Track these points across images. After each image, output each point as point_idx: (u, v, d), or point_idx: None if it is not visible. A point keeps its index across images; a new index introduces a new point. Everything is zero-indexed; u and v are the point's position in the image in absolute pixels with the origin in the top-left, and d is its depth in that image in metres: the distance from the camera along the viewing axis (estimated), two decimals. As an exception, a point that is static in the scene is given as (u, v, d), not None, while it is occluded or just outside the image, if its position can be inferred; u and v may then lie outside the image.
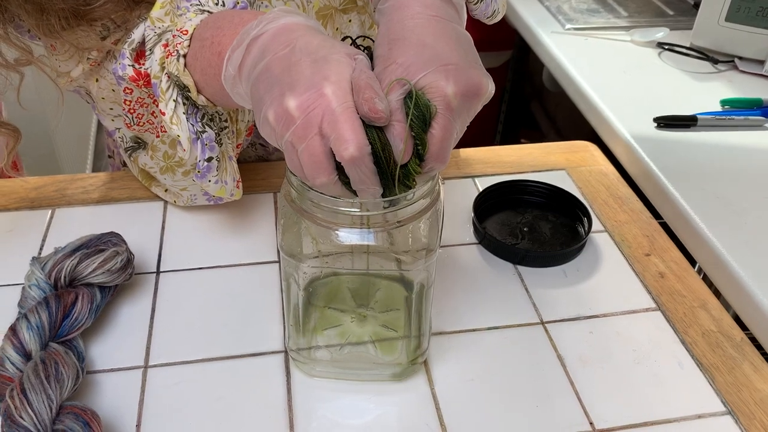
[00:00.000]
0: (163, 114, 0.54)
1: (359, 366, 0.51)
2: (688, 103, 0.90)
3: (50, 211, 0.67)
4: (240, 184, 0.62)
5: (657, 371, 0.54)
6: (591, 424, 0.49)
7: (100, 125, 1.89)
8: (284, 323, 0.56)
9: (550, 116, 1.90)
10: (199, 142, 0.55)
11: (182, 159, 0.60)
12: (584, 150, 0.80)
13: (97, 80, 0.62)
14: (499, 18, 0.65)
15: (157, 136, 0.61)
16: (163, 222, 0.67)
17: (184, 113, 0.54)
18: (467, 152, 0.79)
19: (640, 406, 0.51)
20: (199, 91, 0.53)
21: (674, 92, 0.93)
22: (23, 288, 0.54)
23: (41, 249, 0.63)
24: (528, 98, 1.97)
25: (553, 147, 0.80)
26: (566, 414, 0.50)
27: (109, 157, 0.84)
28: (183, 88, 0.54)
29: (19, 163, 0.90)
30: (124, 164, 0.80)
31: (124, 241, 0.58)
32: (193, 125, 0.55)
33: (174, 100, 0.54)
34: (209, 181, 0.58)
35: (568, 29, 1.12)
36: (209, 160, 0.56)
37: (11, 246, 0.63)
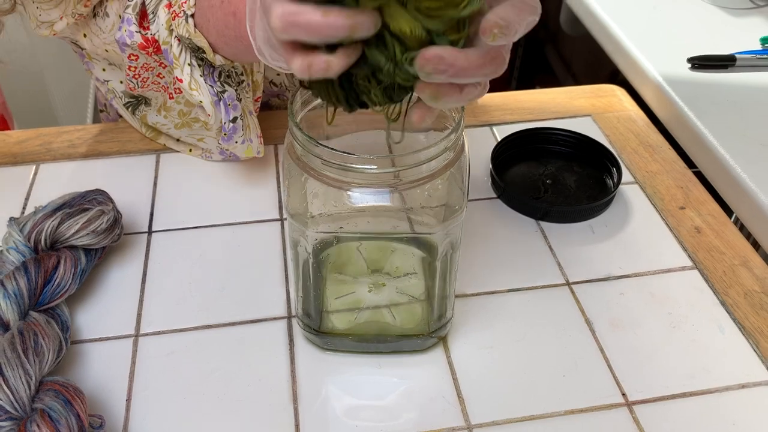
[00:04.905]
0: (180, 81, 0.52)
1: (377, 339, 0.47)
2: (724, 41, 0.82)
3: (34, 167, 0.62)
4: (262, 139, 0.59)
5: (695, 336, 0.49)
6: (623, 395, 0.45)
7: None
8: (287, 289, 0.52)
9: (566, 61, 1.81)
10: (221, 103, 0.53)
11: (205, 123, 0.57)
12: (611, 94, 0.73)
13: (85, 35, 0.57)
14: None
15: (171, 98, 0.58)
16: (156, 177, 0.62)
17: (201, 76, 0.52)
18: (483, 98, 0.72)
19: (677, 375, 0.46)
20: (215, 51, 0.51)
21: (709, 30, 0.86)
22: (0, 252, 0.49)
23: (24, 208, 0.58)
24: (543, 42, 1.89)
25: (577, 91, 0.74)
26: (596, 384, 0.46)
27: (101, 111, 0.79)
28: (196, 50, 0.51)
29: (6, 113, 0.85)
30: (121, 116, 0.76)
31: (110, 199, 0.53)
32: (212, 86, 0.52)
33: (189, 64, 0.52)
34: (236, 142, 0.56)
35: (592, -37, 1.03)
36: (234, 120, 0.54)
37: (-8, 205, 0.58)
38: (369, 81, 0.34)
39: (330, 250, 0.44)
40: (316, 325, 0.46)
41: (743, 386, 0.46)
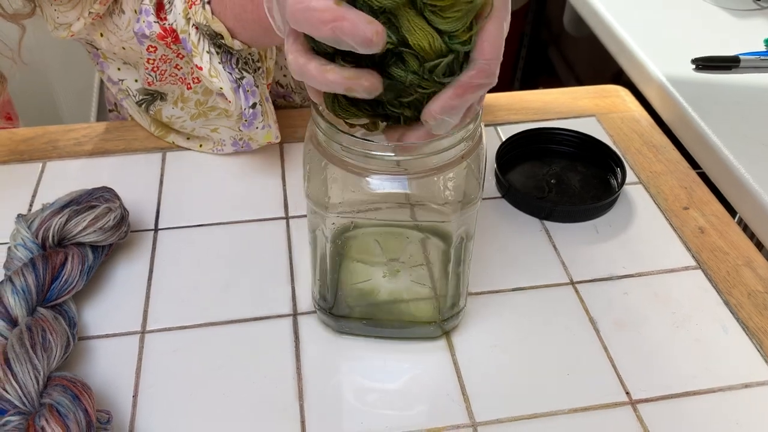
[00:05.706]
0: (201, 69, 0.52)
1: (390, 324, 0.48)
2: (728, 42, 0.82)
3: (41, 165, 0.63)
4: (278, 125, 0.60)
5: (699, 336, 0.49)
6: (627, 393, 0.45)
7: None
8: (292, 287, 0.52)
9: (569, 63, 1.81)
10: (240, 89, 0.54)
11: (226, 110, 0.58)
12: (615, 95, 0.74)
13: (102, 35, 0.58)
14: None
15: (189, 88, 0.58)
16: (162, 175, 0.62)
17: (219, 63, 0.53)
18: (488, 98, 0.73)
19: (680, 374, 0.46)
20: (233, 37, 0.51)
21: (713, 31, 0.86)
22: (9, 248, 0.50)
23: (31, 205, 0.58)
24: (546, 44, 1.89)
25: (582, 92, 0.74)
26: (599, 383, 0.46)
27: (111, 111, 0.79)
28: (214, 36, 0.52)
29: (12, 112, 0.86)
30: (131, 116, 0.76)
31: (117, 197, 0.54)
32: (230, 73, 0.53)
33: (207, 52, 0.52)
34: (257, 127, 0.57)
35: (596, -36, 1.03)
36: (254, 106, 0.55)
37: (-1, 202, 0.59)
38: (394, 101, 0.35)
39: (347, 235, 0.45)
40: (331, 308, 0.47)
41: (746, 386, 0.46)
